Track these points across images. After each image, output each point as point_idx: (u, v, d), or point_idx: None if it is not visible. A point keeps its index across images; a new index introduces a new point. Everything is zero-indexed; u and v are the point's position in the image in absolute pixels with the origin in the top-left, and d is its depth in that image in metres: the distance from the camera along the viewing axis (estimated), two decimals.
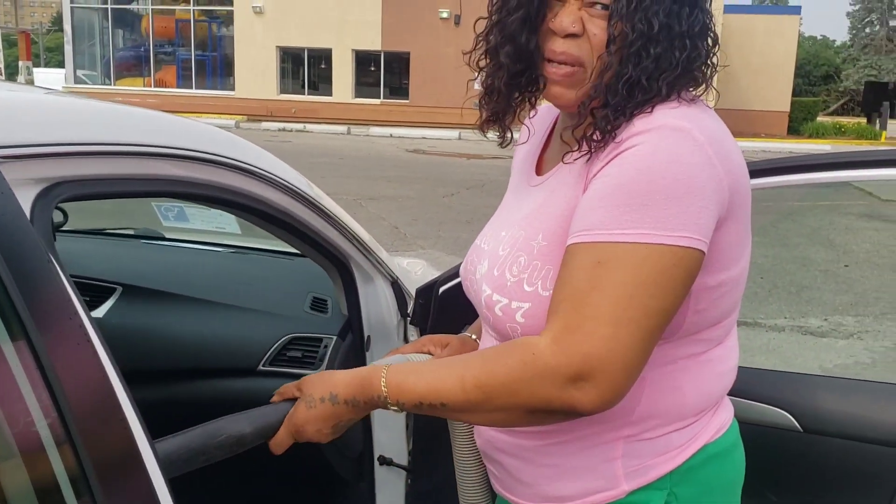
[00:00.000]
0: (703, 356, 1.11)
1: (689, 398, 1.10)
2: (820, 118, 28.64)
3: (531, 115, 1.26)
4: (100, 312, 1.96)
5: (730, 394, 1.21)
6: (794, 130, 25.08)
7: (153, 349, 1.97)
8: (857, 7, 57.89)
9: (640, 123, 1.00)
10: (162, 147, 1.16)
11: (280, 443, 1.13)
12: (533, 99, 1.19)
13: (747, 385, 1.52)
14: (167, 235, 2.46)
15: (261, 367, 1.95)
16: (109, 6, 26.75)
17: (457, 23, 22.97)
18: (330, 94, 25.37)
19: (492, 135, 1.21)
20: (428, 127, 22.41)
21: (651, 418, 1.08)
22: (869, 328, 5.72)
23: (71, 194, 0.98)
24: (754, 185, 1.15)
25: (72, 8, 27.07)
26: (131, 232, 2.47)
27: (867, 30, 57.76)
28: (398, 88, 25.14)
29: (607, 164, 1.00)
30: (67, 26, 27.45)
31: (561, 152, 1.11)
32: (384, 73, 25.13)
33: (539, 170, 1.21)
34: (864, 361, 5.03)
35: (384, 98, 25.18)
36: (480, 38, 1.14)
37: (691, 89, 1.06)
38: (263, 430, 1.12)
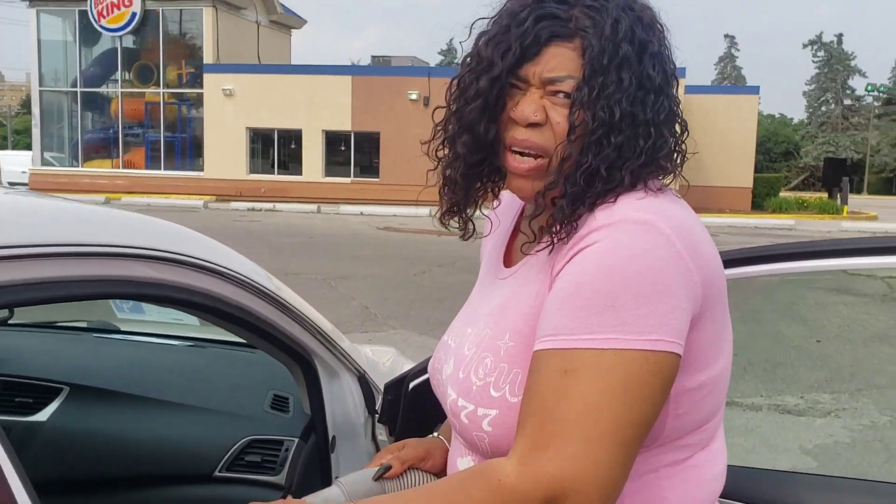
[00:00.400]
0: (688, 462, 1.02)
1: None
2: (782, 193, 29.30)
3: (494, 206, 1.20)
4: (43, 416, 1.82)
5: (721, 496, 1.11)
6: (757, 206, 25.57)
7: (101, 455, 1.83)
8: (812, 87, 60.17)
9: (602, 216, 0.94)
10: (99, 246, 1.07)
11: None
12: (497, 189, 1.13)
13: (737, 486, 1.43)
14: (122, 328, 2.34)
15: (217, 474, 1.81)
16: (79, 89, 26.89)
17: (426, 104, 23.39)
18: (300, 174, 25.50)
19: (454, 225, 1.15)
20: (398, 204, 22.52)
21: None
22: (846, 405, 5.66)
23: None
24: (729, 275, 1.08)
25: (40, 91, 27.19)
26: (84, 324, 2.33)
27: (823, 108, 59.95)
28: (368, 167, 25.36)
29: (569, 261, 0.94)
30: (36, 109, 27.51)
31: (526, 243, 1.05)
32: (354, 152, 25.38)
33: (507, 261, 1.15)
34: (844, 441, 4.94)
35: (354, 177, 25.36)
36: (439, 128, 1.09)
37: (659, 178, 1.01)
38: None
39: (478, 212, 1.15)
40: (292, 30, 31.81)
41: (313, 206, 22.60)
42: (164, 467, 1.81)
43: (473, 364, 1.04)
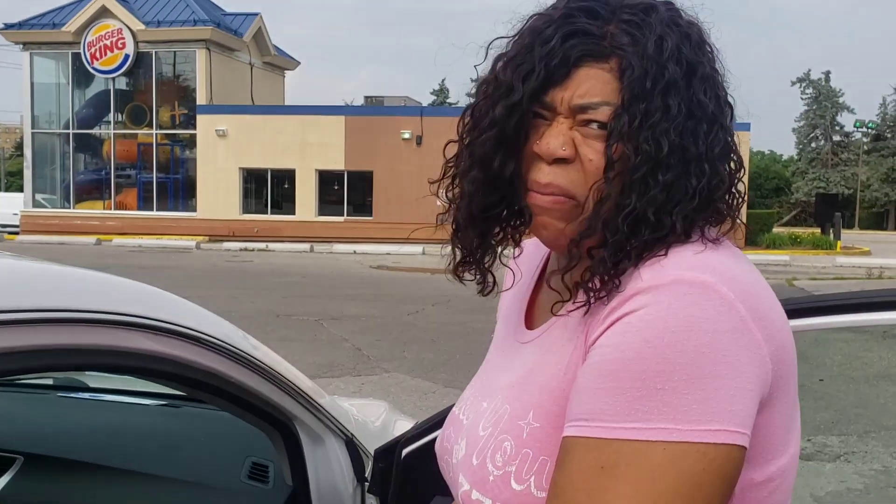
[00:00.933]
0: None
1: None
2: (775, 229, 29.37)
3: (516, 255, 1.03)
4: None
5: None
6: (751, 242, 25.56)
7: None
8: (801, 123, 60.78)
9: (649, 275, 0.77)
10: (50, 311, 0.91)
11: None
12: (518, 235, 0.96)
13: None
14: (90, 385, 2.17)
15: None
16: (71, 131, 26.97)
17: (418, 143, 23.50)
18: (293, 213, 25.51)
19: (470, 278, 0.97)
20: (391, 243, 22.47)
21: None
22: (855, 448, 5.49)
23: None
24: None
25: (32, 133, 27.26)
26: (50, 381, 2.16)
27: (812, 144, 60.51)
28: (361, 206, 25.40)
29: (608, 328, 0.76)
30: (28, 151, 27.56)
31: (553, 301, 0.88)
32: (348, 191, 25.43)
33: (529, 321, 0.97)
34: (857, 488, 4.76)
35: (348, 215, 25.39)
36: (450, 164, 0.92)
37: (713, 226, 0.84)
38: None
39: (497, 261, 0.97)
40: (286, 71, 32.06)
41: (306, 246, 22.54)
42: None
43: (490, 448, 0.87)
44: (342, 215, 25.40)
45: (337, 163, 24.84)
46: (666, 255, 0.78)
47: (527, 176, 0.85)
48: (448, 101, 56.10)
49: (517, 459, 0.83)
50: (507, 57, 0.86)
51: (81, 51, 25.88)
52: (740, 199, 0.87)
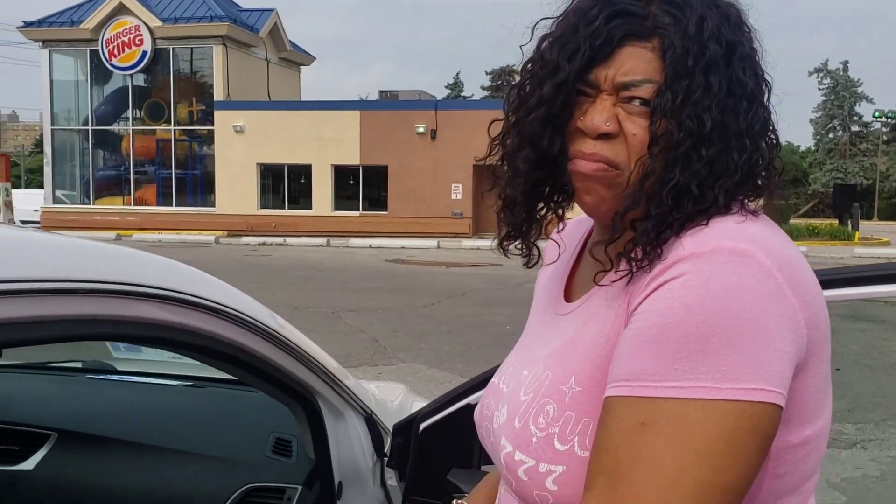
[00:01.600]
0: None
1: None
2: (792, 220, 29.13)
3: (559, 229, 1.08)
4: (29, 465, 1.71)
5: None
6: None
7: None
8: (819, 114, 60.17)
9: (690, 244, 0.81)
10: (95, 283, 0.97)
11: None
12: (561, 211, 1.01)
13: None
14: (118, 368, 2.24)
15: None
16: (90, 127, 27.19)
17: (433, 137, 23.50)
18: (310, 208, 25.60)
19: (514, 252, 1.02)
20: (407, 237, 22.52)
21: None
22: (871, 436, 5.49)
23: None
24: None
25: (52, 130, 27.49)
26: (78, 365, 2.24)
27: (830, 135, 59.84)
28: (377, 200, 25.43)
29: (650, 295, 0.80)
30: (48, 148, 27.79)
31: (593, 273, 0.92)
32: (363, 185, 25.47)
33: (568, 294, 1.02)
34: (873, 474, 4.77)
35: (363, 210, 25.43)
36: (496, 143, 0.97)
37: (752, 200, 0.88)
38: None
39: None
40: (301, 66, 32.13)
41: (323, 240, 22.63)
42: None
43: (532, 412, 0.91)
44: (357, 210, 25.46)
45: (352, 157, 24.90)
46: (707, 224, 0.82)
47: (571, 150, 0.89)
48: (462, 94, 55.91)
49: (560, 421, 0.87)
50: (552, 37, 0.90)
51: (99, 48, 26.07)
52: (779, 175, 0.90)
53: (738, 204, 0.85)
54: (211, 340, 1.24)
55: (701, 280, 0.77)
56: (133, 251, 1.19)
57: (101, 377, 2.19)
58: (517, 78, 0.95)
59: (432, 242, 21.55)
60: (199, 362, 2.15)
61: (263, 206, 26.00)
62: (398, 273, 15.69)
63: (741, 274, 0.77)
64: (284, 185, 26.14)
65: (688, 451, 0.74)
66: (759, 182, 0.88)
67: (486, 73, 57.58)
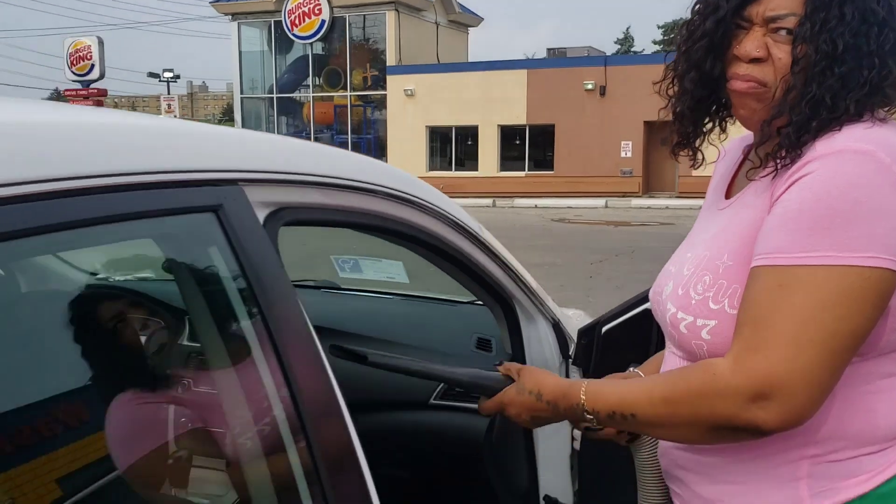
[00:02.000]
0: None
1: (883, 422, 1.06)
2: None
3: (723, 139, 1.31)
4: None
5: None
6: None
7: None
8: None
9: (822, 146, 1.01)
10: (370, 184, 1.33)
11: (488, 408, 1.29)
12: (723, 123, 1.24)
13: None
14: (343, 286, 2.67)
15: (432, 401, 2.07)
16: (275, 95, 28.92)
17: (602, 94, 23.10)
18: (476, 169, 25.95)
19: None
20: (573, 196, 22.45)
21: (839, 439, 1.06)
22: None
23: (292, 218, 1.15)
24: None
25: (241, 99, 29.49)
26: (311, 283, 2.69)
27: None
28: (542, 160, 25.40)
29: (790, 186, 1.02)
30: (238, 115, 29.89)
31: (748, 174, 1.15)
32: (529, 146, 25.50)
33: (728, 194, 1.25)
34: None
35: (529, 170, 25.49)
36: (669, 69, 1.22)
37: (884, 109, 1.06)
38: (477, 386, 1.30)
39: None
40: (469, 28, 32.43)
41: (489, 201, 22.98)
42: (388, 395, 2.10)
43: (693, 282, 1.13)
44: (523, 170, 25.56)
45: (519, 117, 24.95)
46: (839, 130, 1.03)
47: (728, 72, 1.14)
48: (633, 49, 54.05)
49: (714, 287, 1.11)
50: None
51: (283, 18, 27.51)
52: None
53: (868, 113, 1.05)
54: (439, 242, 1.59)
55: (829, 174, 0.99)
56: (393, 167, 1.55)
57: (331, 291, 2.63)
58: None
59: (600, 202, 21.36)
60: (408, 284, 2.54)
61: (431, 168, 26.61)
62: (564, 232, 15.76)
63: (862, 168, 0.98)
64: (452, 146, 26.64)
65: (816, 302, 0.97)
66: (889, 93, 1.07)
67: (658, 27, 55.28)
